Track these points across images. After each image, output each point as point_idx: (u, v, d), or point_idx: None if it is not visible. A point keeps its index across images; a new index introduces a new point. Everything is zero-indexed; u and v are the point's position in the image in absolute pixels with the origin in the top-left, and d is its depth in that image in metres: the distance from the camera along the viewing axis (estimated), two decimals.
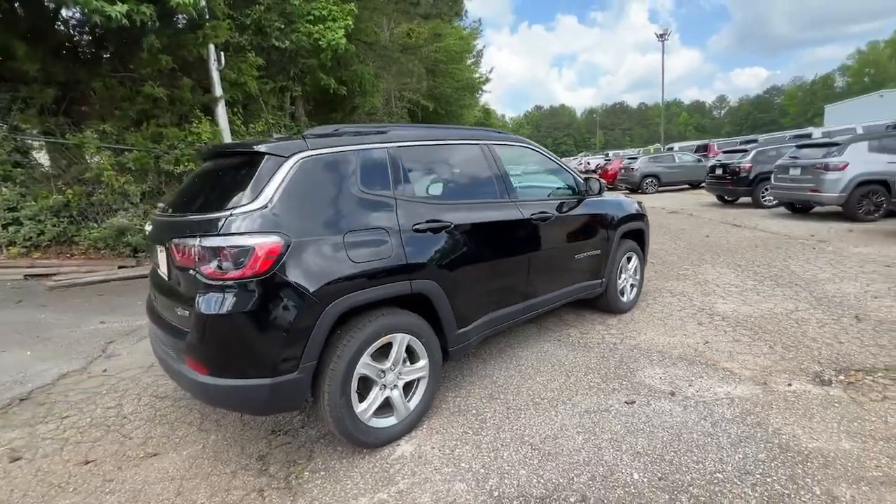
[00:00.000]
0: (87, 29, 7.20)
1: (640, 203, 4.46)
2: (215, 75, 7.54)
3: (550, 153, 3.63)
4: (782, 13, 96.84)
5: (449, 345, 2.59)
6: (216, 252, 1.88)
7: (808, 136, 15.16)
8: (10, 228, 6.27)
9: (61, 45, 7.17)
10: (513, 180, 3.15)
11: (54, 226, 6.46)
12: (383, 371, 2.31)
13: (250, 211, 1.95)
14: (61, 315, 5.03)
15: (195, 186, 2.49)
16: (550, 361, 3.25)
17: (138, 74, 6.81)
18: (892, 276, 4.88)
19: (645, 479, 1.98)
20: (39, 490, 2.15)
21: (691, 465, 2.06)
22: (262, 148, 2.11)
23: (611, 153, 33.63)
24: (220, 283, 1.88)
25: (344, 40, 9.26)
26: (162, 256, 2.29)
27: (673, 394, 2.70)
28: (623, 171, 18.59)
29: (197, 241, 1.90)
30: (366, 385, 2.28)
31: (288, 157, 2.11)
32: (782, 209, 10.53)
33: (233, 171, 2.24)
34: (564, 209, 3.37)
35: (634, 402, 2.63)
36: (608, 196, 4.00)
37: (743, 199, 12.17)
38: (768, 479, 1.94)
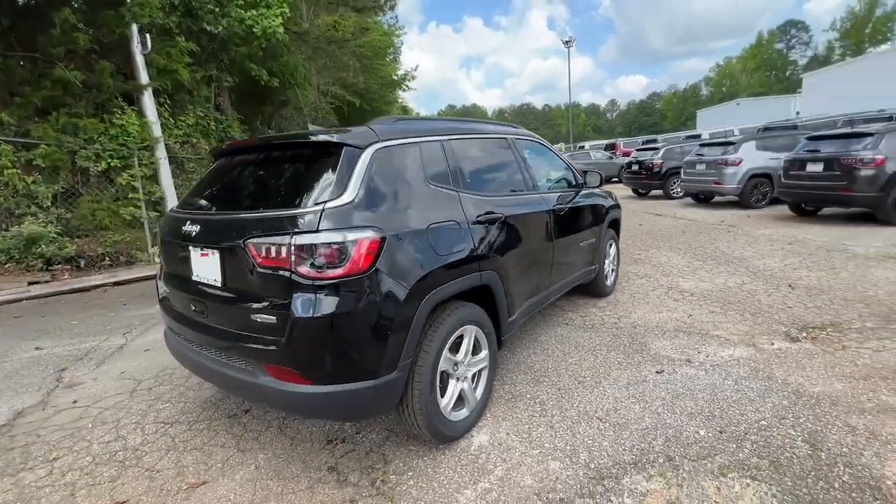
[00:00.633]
0: None
1: (612, 193, 4.88)
2: (140, 60, 6.61)
3: (553, 146, 3.84)
4: (657, 28, 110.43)
5: (502, 333, 2.65)
6: (313, 250, 1.74)
7: (699, 136, 17.52)
8: None
9: None
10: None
11: None
12: (457, 364, 2.31)
13: (342, 205, 1.83)
14: None
15: (242, 182, 2.25)
16: (571, 343, 3.45)
17: (43, 55, 5.74)
18: (797, 251, 5.92)
19: (710, 435, 2.24)
20: None
21: (738, 417, 2.37)
22: (335, 138, 1.99)
23: None
24: (320, 282, 1.74)
25: (281, 29, 8.71)
26: (212, 259, 2.04)
27: (689, 361, 3.05)
28: None
29: (289, 240, 1.74)
30: (442, 380, 2.26)
31: (364, 148, 2.01)
32: (689, 199, 12.09)
33: (300, 164, 2.07)
34: (573, 200, 3.60)
35: (663, 371, 2.92)
36: (595, 188, 4.33)
37: (654, 192, 13.75)
38: (800, 420, 2.31)
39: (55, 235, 5.67)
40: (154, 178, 6.97)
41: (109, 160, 6.09)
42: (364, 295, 1.79)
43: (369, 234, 1.81)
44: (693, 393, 2.63)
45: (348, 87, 18.32)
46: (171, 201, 7.24)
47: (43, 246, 5.55)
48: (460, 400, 2.36)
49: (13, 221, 5.63)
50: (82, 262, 5.99)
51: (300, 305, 1.74)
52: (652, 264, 5.80)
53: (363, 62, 18.85)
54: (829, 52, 58.14)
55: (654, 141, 19.91)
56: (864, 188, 7.03)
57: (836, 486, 1.87)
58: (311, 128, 16.07)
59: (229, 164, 2.42)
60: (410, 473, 2.13)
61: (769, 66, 67.82)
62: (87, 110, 6.11)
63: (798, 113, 28.87)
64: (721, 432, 2.25)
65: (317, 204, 1.82)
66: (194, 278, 2.18)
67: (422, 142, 2.33)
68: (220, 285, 2.03)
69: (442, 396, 2.21)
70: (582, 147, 28.88)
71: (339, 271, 1.75)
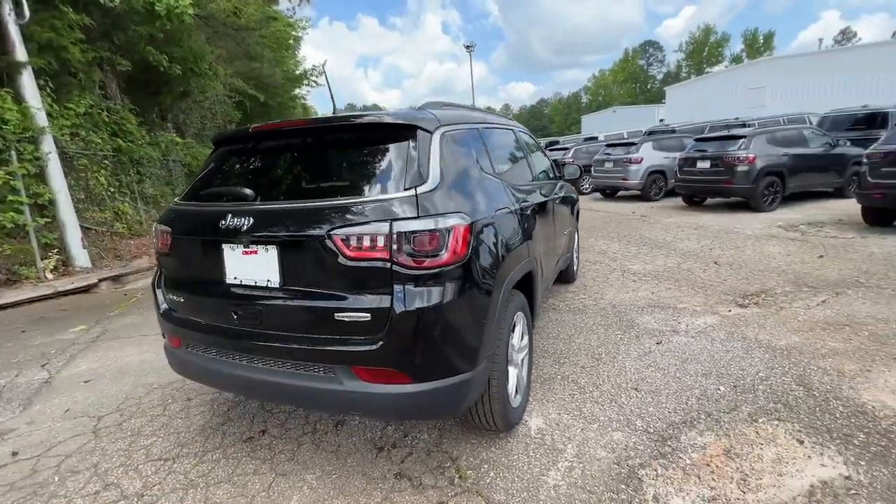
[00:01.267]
0: None
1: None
2: (14, 31, 5.33)
3: (535, 139, 4.01)
4: (541, 40, 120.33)
5: (534, 319, 2.71)
6: (413, 238, 1.62)
7: (595, 138, 19.44)
8: None
9: None
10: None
11: None
12: (516, 351, 2.32)
13: (431, 190, 1.73)
14: None
15: (293, 168, 1.98)
16: (569, 326, 3.65)
17: None
18: (704, 234, 6.94)
19: (729, 390, 2.56)
20: None
21: (740, 372, 2.74)
22: (407, 120, 1.86)
23: None
24: (422, 272, 1.62)
25: (191, 10, 7.75)
26: (264, 257, 1.77)
27: (676, 331, 3.42)
28: None
29: (389, 228, 1.59)
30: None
31: (433, 132, 1.92)
32: (597, 194, 13.42)
33: (366, 148, 1.88)
34: (560, 190, 3.80)
35: (661, 342, 3.24)
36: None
37: None
38: (786, 369, 2.74)
39: None
40: (40, 176, 5.69)
41: None
42: (463, 283, 1.71)
43: (461, 221, 1.74)
44: (696, 357, 2.97)
45: (249, 80, 16.84)
46: (65, 206, 5.99)
47: None
48: (516, 386, 2.37)
49: None
50: None
51: (405, 298, 1.60)
52: (596, 251, 6.34)
53: (266, 54, 17.51)
54: (679, 70, 68.75)
55: (557, 143, 21.63)
56: (741, 181, 8.48)
57: (837, 415, 2.27)
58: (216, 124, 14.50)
59: (260, 148, 2.11)
60: (486, 466, 2.09)
61: (634, 79, 77.85)
62: None
63: (662, 120, 33.58)
64: (735, 387, 2.59)
65: (406, 189, 1.69)
66: (230, 281, 1.88)
67: (469, 128, 2.29)
68: (277, 286, 1.77)
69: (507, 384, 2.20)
70: None
71: (440, 260, 1.65)
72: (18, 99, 5.41)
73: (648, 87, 74.86)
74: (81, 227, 6.47)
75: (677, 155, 10.30)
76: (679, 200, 10.52)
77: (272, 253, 1.76)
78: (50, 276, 5.76)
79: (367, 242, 1.61)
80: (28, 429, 2.68)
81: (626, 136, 18.17)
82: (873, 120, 10.86)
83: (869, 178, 6.34)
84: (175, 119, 12.33)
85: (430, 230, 1.63)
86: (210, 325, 1.97)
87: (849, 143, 9.40)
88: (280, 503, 1.95)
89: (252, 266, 1.82)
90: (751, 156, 8.42)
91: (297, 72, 25.81)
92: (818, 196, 9.52)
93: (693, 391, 2.57)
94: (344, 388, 1.69)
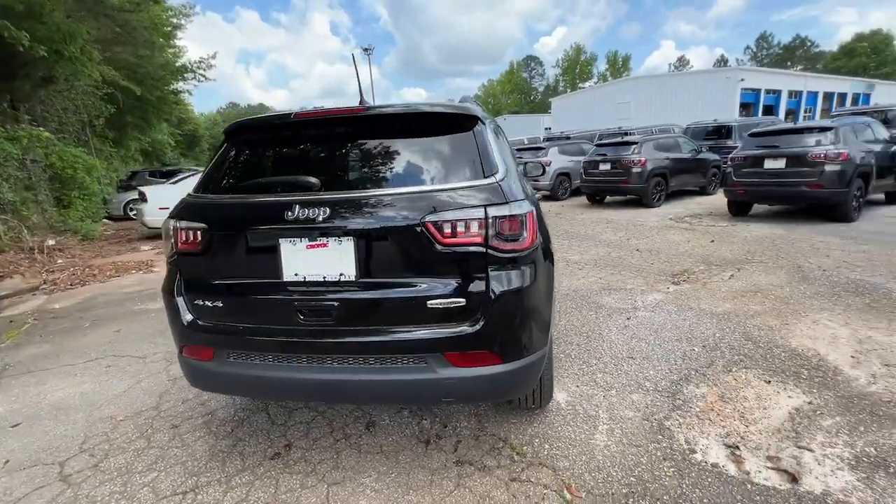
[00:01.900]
0: None
1: None
2: None
3: None
4: (430, 47, 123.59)
5: None
6: (503, 223, 1.68)
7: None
8: None
9: None
10: None
11: None
12: None
13: (504, 178, 1.80)
14: None
15: (354, 157, 1.87)
16: None
17: None
18: (617, 227, 7.90)
19: (701, 350, 3.03)
20: None
21: (702, 335, 3.25)
22: (468, 111, 1.90)
23: None
24: (513, 255, 1.69)
25: None
26: (338, 249, 1.68)
27: (636, 308, 3.91)
28: None
29: (484, 213, 1.63)
30: None
31: (486, 122, 1.99)
32: None
33: (430, 138, 1.87)
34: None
35: (630, 317, 3.69)
36: None
37: None
38: (733, 329, 3.33)
39: None
40: None
41: None
42: (541, 264, 1.83)
43: (531, 206, 1.84)
44: (664, 326, 3.44)
45: (120, 69, 14.56)
46: None
47: None
48: None
49: None
50: None
51: (503, 280, 1.66)
52: None
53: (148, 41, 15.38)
54: (557, 84, 76.28)
55: None
56: (636, 181, 9.82)
57: (783, 357, 2.86)
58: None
59: (305, 137, 1.96)
60: (537, 441, 2.21)
61: (520, 91, 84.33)
62: None
63: (548, 128, 36.96)
64: (704, 346, 3.08)
65: (486, 177, 1.74)
66: (290, 278, 1.73)
67: (494, 120, 2.39)
68: (352, 279, 1.69)
69: None
70: None
71: (523, 243, 1.73)
72: None
73: (532, 98, 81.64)
74: None
75: (580, 158, 11.52)
76: (583, 199, 11.76)
77: (347, 244, 1.67)
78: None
79: (461, 228, 1.64)
80: None
81: (526, 143, 19.69)
82: (720, 131, 13.42)
83: (734, 178, 7.82)
84: (31, 111, 10.18)
85: (515, 215, 1.71)
86: (264, 329, 1.78)
87: (707, 150, 11.47)
88: None
89: (320, 260, 1.70)
90: (643, 159, 9.78)
91: (178, 63, 23.07)
92: (689, 193, 11.41)
93: (676, 354, 3.00)
94: (438, 375, 1.68)
